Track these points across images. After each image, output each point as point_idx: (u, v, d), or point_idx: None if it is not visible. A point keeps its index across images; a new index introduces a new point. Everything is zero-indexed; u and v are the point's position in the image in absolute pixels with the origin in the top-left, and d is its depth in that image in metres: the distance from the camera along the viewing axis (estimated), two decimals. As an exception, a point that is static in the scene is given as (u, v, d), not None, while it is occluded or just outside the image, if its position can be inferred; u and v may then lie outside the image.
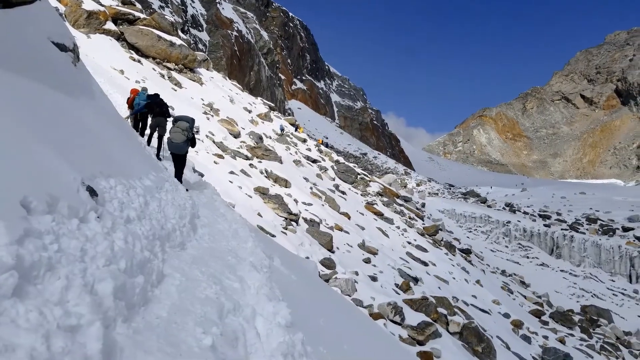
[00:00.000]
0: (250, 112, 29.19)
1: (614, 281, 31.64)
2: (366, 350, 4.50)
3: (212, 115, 22.21)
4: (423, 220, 28.77)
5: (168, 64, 26.73)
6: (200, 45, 69.74)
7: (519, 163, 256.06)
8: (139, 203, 3.67)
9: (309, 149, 29.54)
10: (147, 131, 10.83)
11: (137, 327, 2.29)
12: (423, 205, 39.66)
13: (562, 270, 32.26)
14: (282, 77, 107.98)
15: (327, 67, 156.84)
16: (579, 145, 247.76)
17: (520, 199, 54.51)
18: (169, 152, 8.56)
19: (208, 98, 25.28)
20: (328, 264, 12.20)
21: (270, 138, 25.99)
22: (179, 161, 8.36)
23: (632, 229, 35.32)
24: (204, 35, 74.43)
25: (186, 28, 69.60)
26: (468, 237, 36.17)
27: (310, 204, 17.11)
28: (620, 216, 40.08)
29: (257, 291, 3.67)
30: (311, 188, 20.43)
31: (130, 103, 11.91)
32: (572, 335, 19.09)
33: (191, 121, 8.68)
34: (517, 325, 16.01)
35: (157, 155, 9.51)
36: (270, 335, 3.02)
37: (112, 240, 2.60)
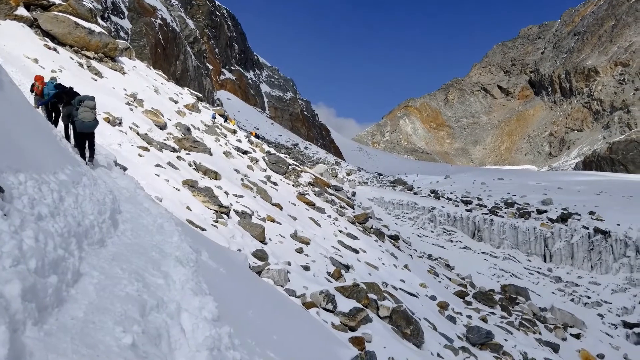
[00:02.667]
0: (176, 102, 28.22)
1: (530, 261, 34.03)
2: (296, 339, 4.55)
3: (136, 106, 21.24)
4: (353, 209, 29.38)
5: (87, 53, 25.14)
6: (122, 34, 66.28)
7: (442, 151, 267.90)
8: (53, 199, 3.45)
9: (239, 140, 29.12)
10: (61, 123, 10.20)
11: (49, 330, 2.17)
12: (353, 194, 40.45)
13: (483, 252, 34.25)
14: (210, 66, 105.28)
15: (256, 57, 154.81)
16: (497, 133, 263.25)
17: (444, 186, 57.12)
18: (79, 133, 8.47)
19: (131, 88, 24.12)
20: (260, 255, 12.15)
21: (199, 129, 25.31)
22: (91, 138, 8.44)
23: (546, 211, 38.11)
24: (126, 23, 70.80)
25: (106, 15, 65.77)
26: (396, 223, 37.40)
27: (241, 196, 16.91)
28: (534, 200, 43.10)
29: (182, 286, 3.59)
30: (242, 180, 20.18)
31: (41, 92, 11.13)
32: (493, 313, 20.29)
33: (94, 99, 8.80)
34: (443, 306, 16.83)
35: (70, 141, 9.08)
36: (196, 330, 2.97)
37: (20, 239, 2.43)
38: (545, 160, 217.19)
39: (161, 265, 3.86)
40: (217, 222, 12.67)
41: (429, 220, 39.23)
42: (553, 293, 28.79)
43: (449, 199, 44.97)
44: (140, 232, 4.71)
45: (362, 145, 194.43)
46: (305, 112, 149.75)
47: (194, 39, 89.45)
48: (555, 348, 17.97)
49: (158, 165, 14.67)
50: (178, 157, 17.66)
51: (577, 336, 21.60)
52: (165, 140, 19.06)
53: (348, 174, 69.22)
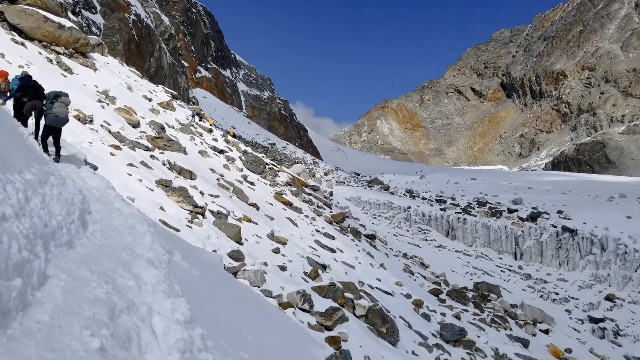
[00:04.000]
0: (150, 100, 27.72)
1: (501, 259, 34.71)
2: (271, 340, 4.51)
3: (108, 104, 20.77)
4: (331, 209, 29.43)
5: (57, 48, 24.44)
6: (94, 29, 64.73)
7: (417, 151, 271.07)
8: (18, 199, 3.33)
9: (216, 139, 28.81)
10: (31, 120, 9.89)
11: (12, 335, 2.09)
12: (331, 193, 40.50)
13: (457, 251, 34.77)
14: (186, 64, 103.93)
15: (233, 56, 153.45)
16: (470, 134, 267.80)
17: (419, 186, 57.79)
18: (48, 127, 8.63)
19: (103, 85, 23.57)
20: (236, 256, 12.04)
21: (173, 128, 24.93)
22: (59, 135, 8.71)
23: (516, 210, 38.93)
24: (98, 18, 69.16)
25: (77, 10, 64.15)
26: (373, 223, 37.64)
27: (217, 196, 16.72)
28: (506, 199, 43.99)
29: (154, 288, 3.51)
30: (218, 179, 19.97)
31: (7, 87, 10.78)
32: (466, 310, 20.60)
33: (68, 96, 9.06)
34: (418, 304, 17.00)
35: (38, 140, 8.89)
36: (168, 333, 2.91)
37: (-19, 241, 2.33)
38: (516, 161, 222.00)
39: (132, 267, 3.77)
40: (191, 223, 12.50)
41: (405, 219, 39.60)
42: (523, 290, 29.42)
43: (424, 198, 45.49)
44: (110, 233, 4.60)
45: (339, 145, 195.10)
46: (283, 112, 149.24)
47: (169, 35, 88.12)
48: (525, 343, 18.37)
49: (131, 165, 14.38)
50: (152, 156, 17.35)
51: (546, 331, 22.13)
52: (138, 138, 18.70)
53: (326, 174, 69.33)
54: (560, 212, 36.64)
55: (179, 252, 5.36)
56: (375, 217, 39.74)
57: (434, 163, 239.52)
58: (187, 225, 12.05)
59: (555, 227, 34.20)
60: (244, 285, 9.43)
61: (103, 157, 13.67)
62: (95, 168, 10.64)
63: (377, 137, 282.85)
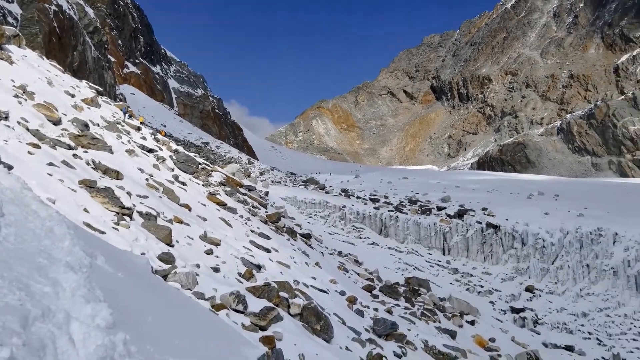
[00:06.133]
0: (73, 96, 26.18)
1: (431, 254, 36.14)
2: (201, 343, 4.42)
3: (26, 99, 19.39)
4: (266, 209, 29.26)
5: (-35, 37, 22.52)
6: (10, 19, 60.08)
7: (352, 151, 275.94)
8: None
9: (144, 138, 27.71)
10: None
11: None
12: (266, 193, 40.26)
13: (389, 248, 35.78)
14: (112, 59, 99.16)
15: (163, 51, 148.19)
16: (403, 135, 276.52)
17: (354, 185, 58.88)
18: None
19: (20, 79, 21.96)
20: (167, 258, 11.66)
21: (98, 125, 23.70)
22: None
23: (445, 207, 40.69)
24: (15, 8, 64.28)
25: (-10, -3, 59.35)
26: (309, 222, 37.87)
27: (146, 197, 16.11)
28: (435, 197, 45.84)
29: (73, 294, 3.33)
30: (147, 179, 19.25)
31: None
32: (398, 305, 21.24)
33: None
34: (352, 301, 17.32)
35: None
36: (87, 339, 2.78)
37: None
38: (444, 161, 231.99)
39: (49, 271, 3.55)
40: (118, 225, 11.97)
41: (340, 218, 40.18)
42: (451, 284, 30.80)
43: (358, 197, 46.39)
44: (26, 236, 4.30)
45: (275, 145, 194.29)
46: (217, 110, 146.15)
47: (94, 28, 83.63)
48: (452, 335, 19.26)
49: (51, 164, 13.53)
50: (74, 155, 16.42)
51: (472, 323, 23.31)
52: (59, 136, 17.63)
53: (261, 174, 68.79)
54: (484, 209, 38.71)
55: (103, 256, 5.11)
56: (311, 217, 40.00)
57: (368, 163, 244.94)
58: (113, 228, 11.52)
59: (480, 223, 36.11)
60: (175, 288, 9.17)
61: (20, 156, 12.76)
62: (10, 167, 9.91)
63: (313, 137, 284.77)
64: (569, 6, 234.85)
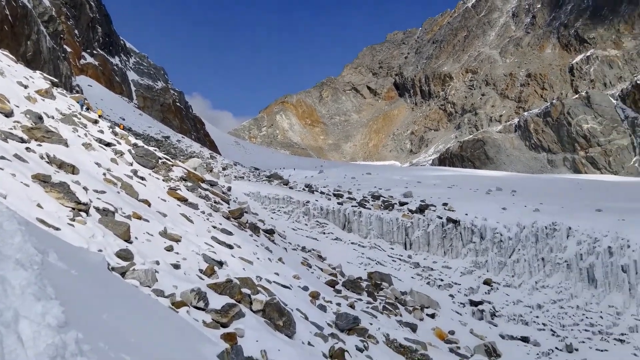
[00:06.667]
0: (26, 87, 25.05)
1: (393, 249, 36.67)
2: (159, 341, 4.34)
3: (-27, 90, 18.46)
4: (229, 204, 28.96)
5: None
6: (-45, 4, 56.92)
7: (317, 147, 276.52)
8: None
9: (102, 131, 26.85)
10: None
11: None
12: (229, 189, 39.83)
13: (352, 243, 36.09)
14: (69, 49, 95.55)
15: (122, 42, 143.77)
16: (366, 131, 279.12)
17: (318, 180, 59.05)
18: None
19: (-34, 68, 20.89)
20: (125, 255, 11.38)
21: (53, 118, 22.81)
22: None
23: (407, 203, 41.35)
24: (-39, -7, 60.91)
25: None
26: (272, 217, 37.71)
27: (103, 192, 15.64)
28: (397, 193, 46.52)
29: (22, 291, 3.21)
30: (104, 174, 18.68)
31: None
32: (360, 299, 21.49)
33: None
34: (315, 296, 17.40)
35: None
36: (38, 338, 2.69)
37: None
38: (407, 157, 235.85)
39: (-3, 269, 3.41)
40: (74, 221, 11.58)
41: (304, 213, 40.21)
42: (412, 278, 31.36)
43: (322, 192, 46.54)
44: (-29, 233, 4.11)
45: (239, 140, 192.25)
46: (178, 103, 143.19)
47: (49, 17, 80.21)
48: (413, 328, 19.66)
49: (2, 158, 12.96)
50: (27, 148, 15.77)
51: (432, 316, 23.86)
52: (11, 129, 16.87)
53: (224, 169, 67.93)
54: (445, 204, 39.59)
55: (56, 252, 4.93)
56: (274, 212, 39.85)
57: (332, 158, 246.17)
58: (68, 224, 11.14)
59: (441, 218, 36.92)
60: (133, 285, 8.97)
61: (-34, 149, 12.15)
62: (-44, 161, 9.43)
63: (277, 131, 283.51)
64: (527, 7, 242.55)
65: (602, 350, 24.36)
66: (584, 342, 25.06)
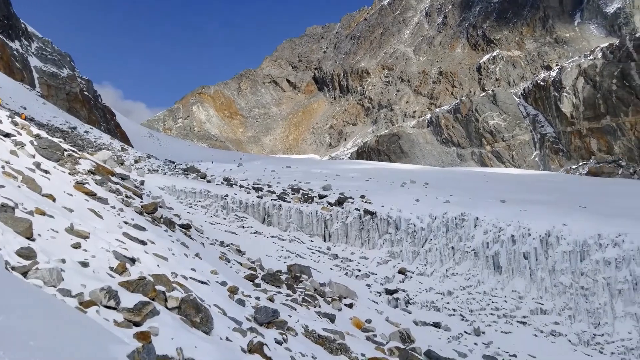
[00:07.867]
0: None
1: (312, 241, 37.21)
2: (63, 342, 4.12)
3: None
4: (142, 199, 27.69)
5: None
6: None
7: (235, 139, 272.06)
8: None
9: (0, 121, 24.55)
10: None
11: None
12: (142, 182, 38.08)
13: (272, 236, 36.13)
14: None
15: (23, 26, 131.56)
16: (286, 124, 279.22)
17: (237, 174, 58.27)
18: None
19: None
20: (27, 254, 10.56)
21: (-63, 105, 20.48)
22: None
23: (326, 196, 42.11)
24: None
25: None
26: (189, 212, 36.70)
27: (2, 186, 14.31)
28: (317, 186, 47.17)
29: None
30: (3, 167, 17.11)
31: None
32: (280, 293, 21.56)
33: None
34: (233, 291, 17.23)
35: None
36: None
37: None
38: (326, 150, 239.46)
39: None
40: (-36, 218, 10.55)
41: (222, 207, 39.56)
42: (331, 269, 32.08)
43: (241, 186, 46.02)
44: None
45: (152, 131, 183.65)
46: (86, 92, 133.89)
47: None
48: (332, 318, 20.15)
49: None
50: None
51: (350, 305, 24.59)
52: None
53: (136, 162, 64.74)
54: (362, 196, 40.83)
55: (-58, 254, 4.50)
56: (191, 206, 38.81)
57: (251, 151, 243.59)
58: (-43, 222, 10.13)
59: (359, 210, 38.05)
60: (36, 286, 8.38)
61: None
62: None
63: (194, 123, 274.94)
64: (439, 7, 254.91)
65: (506, 333, 26.56)
66: (490, 325, 27.14)
